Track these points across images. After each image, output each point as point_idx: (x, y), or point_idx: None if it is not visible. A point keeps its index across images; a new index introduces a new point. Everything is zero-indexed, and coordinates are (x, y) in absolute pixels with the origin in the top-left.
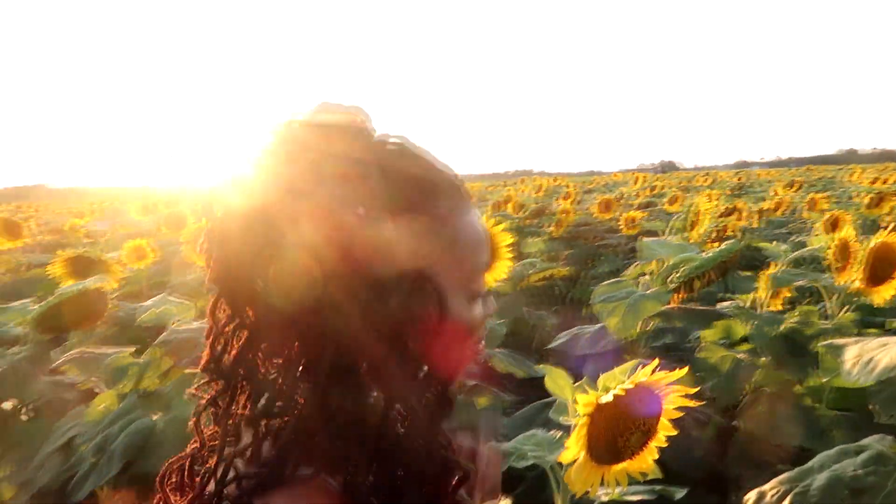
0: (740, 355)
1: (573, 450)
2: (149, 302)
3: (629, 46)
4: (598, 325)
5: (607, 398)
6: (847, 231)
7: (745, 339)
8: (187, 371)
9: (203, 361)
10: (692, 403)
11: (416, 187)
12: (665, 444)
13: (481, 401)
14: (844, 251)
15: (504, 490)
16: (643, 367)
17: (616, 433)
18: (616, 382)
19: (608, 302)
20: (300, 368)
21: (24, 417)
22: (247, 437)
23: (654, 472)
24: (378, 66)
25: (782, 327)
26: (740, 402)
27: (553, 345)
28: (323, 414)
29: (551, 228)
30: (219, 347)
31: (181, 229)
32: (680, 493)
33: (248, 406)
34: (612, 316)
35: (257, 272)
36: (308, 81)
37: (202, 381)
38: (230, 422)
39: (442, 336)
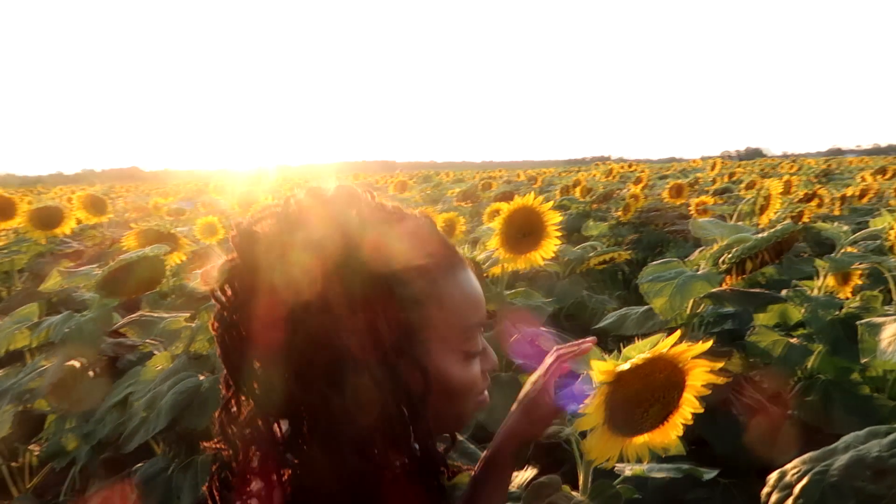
0: (794, 340)
1: (591, 417)
2: (202, 270)
3: (717, 28)
4: (647, 307)
5: (625, 367)
6: None
7: (801, 325)
8: None
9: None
10: (719, 380)
11: (400, 259)
12: (690, 422)
13: (524, 379)
14: None
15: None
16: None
17: (635, 404)
18: (638, 352)
19: (655, 282)
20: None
21: (90, 374)
22: None
23: (679, 449)
24: (455, 47)
25: (841, 312)
26: (793, 389)
27: (601, 324)
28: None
29: (618, 213)
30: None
31: (251, 208)
32: (709, 474)
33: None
34: (658, 296)
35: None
36: (381, 64)
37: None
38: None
39: (434, 399)
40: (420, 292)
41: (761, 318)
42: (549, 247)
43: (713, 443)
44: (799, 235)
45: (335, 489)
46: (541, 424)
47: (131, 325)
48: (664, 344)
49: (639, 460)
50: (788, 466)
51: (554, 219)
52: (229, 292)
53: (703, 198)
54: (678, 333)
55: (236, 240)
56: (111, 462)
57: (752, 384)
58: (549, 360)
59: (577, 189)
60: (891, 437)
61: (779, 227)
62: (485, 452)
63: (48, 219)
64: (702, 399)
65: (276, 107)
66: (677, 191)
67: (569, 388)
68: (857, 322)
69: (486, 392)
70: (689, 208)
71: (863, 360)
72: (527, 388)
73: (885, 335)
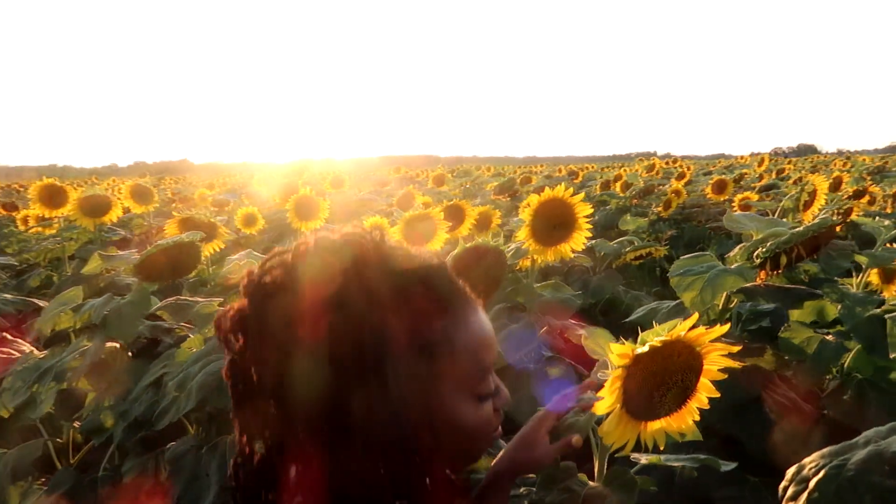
0: (829, 337)
1: (607, 401)
2: (236, 256)
3: (772, 22)
4: (678, 301)
5: (643, 349)
6: None
7: (838, 322)
8: None
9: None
10: (735, 364)
11: (408, 312)
12: (706, 406)
13: (553, 371)
14: None
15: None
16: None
17: (652, 388)
18: (655, 336)
19: (686, 276)
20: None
21: (129, 355)
22: None
23: (695, 435)
24: (502, 42)
25: (878, 309)
26: (827, 387)
27: (631, 318)
28: None
29: (658, 209)
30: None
31: (290, 198)
32: (727, 466)
33: None
34: (688, 290)
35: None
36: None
37: None
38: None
39: (446, 442)
40: (430, 343)
41: (796, 315)
42: (579, 239)
43: (744, 440)
44: (836, 230)
45: None
46: (535, 463)
47: (167, 309)
48: (681, 327)
49: (655, 449)
50: (807, 460)
51: (584, 211)
52: (241, 341)
53: (746, 194)
54: (695, 317)
55: (248, 289)
56: (146, 440)
57: (785, 382)
58: (554, 400)
59: (618, 184)
60: None
61: (816, 220)
62: (485, 477)
63: (96, 207)
64: (733, 396)
65: (324, 101)
66: (720, 186)
67: (564, 389)
68: (888, 315)
69: (499, 430)
70: (732, 205)
71: (893, 356)
72: (530, 423)
73: None
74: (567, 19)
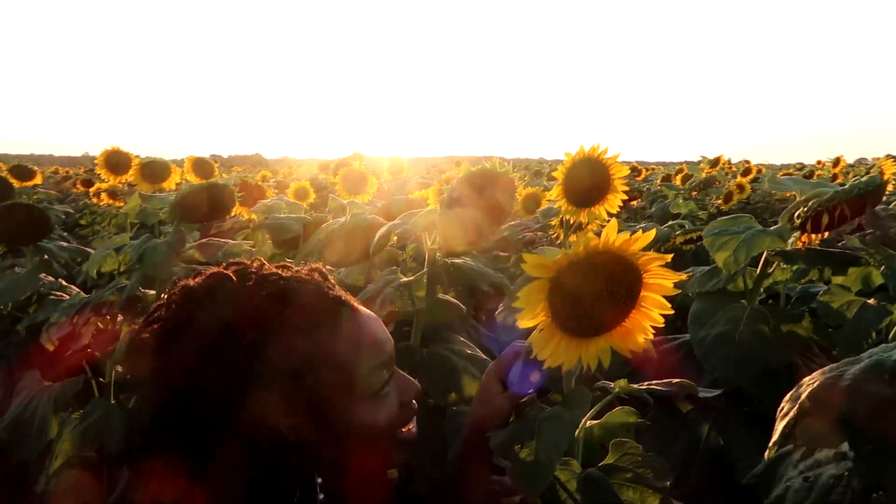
0: (870, 301)
1: (527, 314)
2: (267, 201)
3: (857, 25)
4: (711, 266)
5: (561, 259)
6: None
7: (883, 289)
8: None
9: None
10: (678, 276)
11: (278, 332)
12: (661, 324)
13: None
14: None
15: None
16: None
17: (585, 301)
18: (585, 243)
19: (721, 235)
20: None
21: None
22: None
23: (652, 352)
24: (571, 45)
25: None
26: None
27: None
28: None
29: (718, 201)
30: None
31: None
32: (707, 393)
33: None
34: (722, 250)
35: None
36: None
37: None
38: None
39: (352, 448)
40: (305, 358)
41: (839, 282)
42: (614, 201)
43: (772, 409)
44: (885, 189)
45: None
46: (497, 413)
47: (197, 248)
48: (610, 232)
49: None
50: (806, 379)
51: (621, 172)
52: (132, 370)
53: None
54: (615, 222)
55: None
56: None
57: (822, 350)
58: (504, 353)
59: (679, 177)
60: None
61: (864, 178)
62: (458, 446)
63: (155, 172)
64: (767, 361)
65: (394, 99)
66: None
67: (523, 371)
68: None
69: (412, 425)
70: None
71: None
72: (483, 378)
73: None
74: (633, 23)
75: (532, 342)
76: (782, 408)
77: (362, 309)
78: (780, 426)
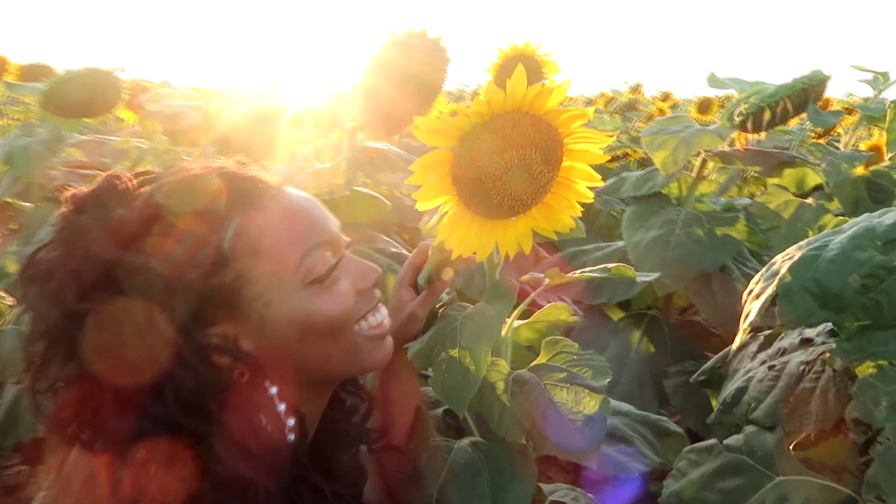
0: (808, 200)
1: (430, 190)
2: (161, 90)
3: None
4: (648, 169)
5: (471, 121)
6: None
7: (818, 189)
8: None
9: None
10: (605, 138)
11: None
12: (590, 199)
13: None
14: None
15: None
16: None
17: (495, 173)
18: (489, 101)
19: (659, 135)
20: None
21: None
22: None
23: (580, 232)
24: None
25: (867, 169)
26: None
27: (598, 188)
28: None
29: (640, 124)
30: None
31: None
32: (644, 277)
33: None
34: (660, 150)
35: None
36: None
37: None
38: None
39: (300, 347)
40: (224, 250)
41: (773, 182)
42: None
43: (706, 311)
44: (827, 85)
45: None
46: (411, 322)
47: (79, 146)
48: (510, 86)
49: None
50: (778, 255)
51: (553, 71)
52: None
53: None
54: (522, 70)
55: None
56: None
57: (752, 254)
58: (412, 255)
59: (601, 100)
60: None
61: (807, 73)
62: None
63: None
64: (699, 265)
65: (312, 28)
66: (705, 106)
67: (435, 271)
68: (893, 102)
69: (378, 317)
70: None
71: (890, 156)
72: (393, 289)
73: None
74: None
75: (439, 228)
76: (751, 289)
77: (291, 189)
78: (755, 305)
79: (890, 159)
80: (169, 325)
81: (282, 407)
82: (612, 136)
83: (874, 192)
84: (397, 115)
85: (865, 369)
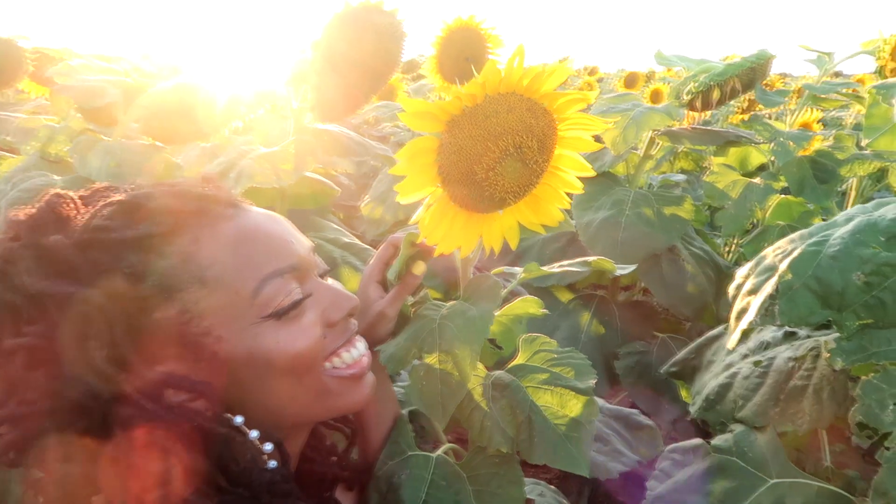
0: (756, 180)
1: (414, 181)
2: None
3: None
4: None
5: (463, 103)
6: None
7: (762, 169)
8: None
9: None
10: (601, 124)
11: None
12: (580, 190)
13: None
14: None
15: None
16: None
17: (488, 162)
18: (484, 80)
19: (608, 114)
20: None
21: None
22: None
23: (568, 226)
24: None
25: (811, 150)
26: (747, 235)
27: None
28: None
29: None
30: None
31: None
32: (623, 270)
33: None
34: (610, 129)
35: None
36: None
37: None
38: None
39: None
40: (169, 279)
41: (718, 161)
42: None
43: (656, 292)
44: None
45: None
46: (381, 321)
47: None
48: (509, 65)
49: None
50: (767, 251)
51: (497, 45)
52: None
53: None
54: (522, 48)
55: None
56: None
57: (697, 232)
58: (381, 249)
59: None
60: None
61: (755, 52)
62: None
63: None
64: (647, 246)
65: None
66: (631, 80)
67: (406, 266)
68: (873, 88)
69: (354, 354)
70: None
71: (866, 142)
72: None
73: None
74: None
75: (420, 222)
76: (740, 283)
77: (254, 208)
78: (753, 303)
79: (868, 145)
80: (109, 363)
81: (254, 434)
82: (608, 123)
83: (818, 172)
84: (352, 94)
85: (863, 370)
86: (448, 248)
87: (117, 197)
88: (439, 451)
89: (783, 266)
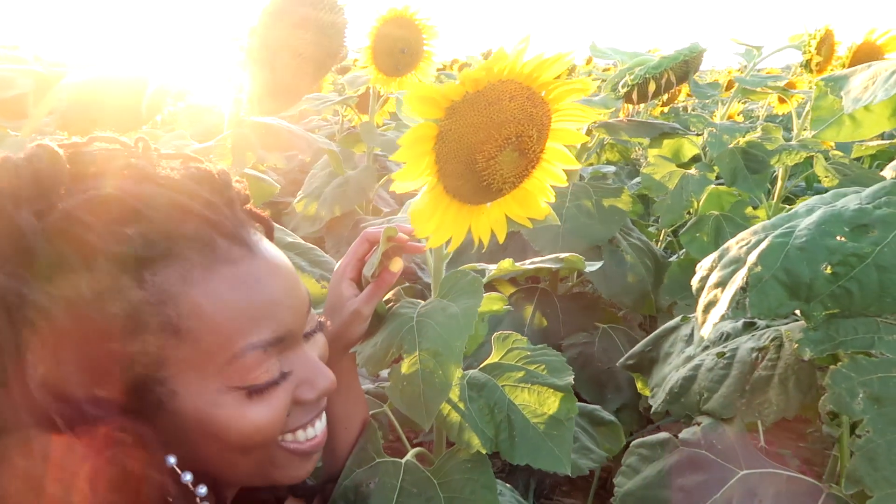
0: (692, 171)
1: (413, 168)
2: None
3: None
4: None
5: (464, 88)
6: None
7: (695, 160)
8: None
9: None
10: (593, 114)
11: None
12: (565, 182)
13: None
14: (827, 45)
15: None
16: None
17: (489, 151)
18: (489, 66)
19: None
20: None
21: None
22: None
23: (554, 220)
24: None
25: (742, 141)
26: (684, 226)
27: None
28: None
29: None
30: None
31: None
32: (591, 266)
33: None
34: None
35: None
36: None
37: None
38: None
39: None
40: (135, 310)
41: (653, 153)
42: (426, 69)
43: (597, 283)
44: (703, 57)
45: None
46: (355, 321)
47: None
48: (516, 51)
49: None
50: (730, 242)
51: (432, 37)
52: None
53: None
54: (528, 37)
55: None
56: None
57: (637, 225)
58: (355, 244)
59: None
60: (871, 188)
61: (687, 45)
62: None
63: None
64: (589, 237)
65: None
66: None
67: (381, 262)
68: (821, 80)
69: (311, 432)
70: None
71: (813, 134)
72: (330, 283)
73: (856, 83)
74: None
75: (413, 213)
76: (704, 276)
77: (262, 249)
78: (723, 297)
79: (814, 136)
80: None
81: (188, 477)
82: (601, 114)
83: (749, 162)
84: (293, 84)
85: (828, 359)
86: (439, 240)
87: (110, 189)
88: (408, 457)
89: (752, 258)
